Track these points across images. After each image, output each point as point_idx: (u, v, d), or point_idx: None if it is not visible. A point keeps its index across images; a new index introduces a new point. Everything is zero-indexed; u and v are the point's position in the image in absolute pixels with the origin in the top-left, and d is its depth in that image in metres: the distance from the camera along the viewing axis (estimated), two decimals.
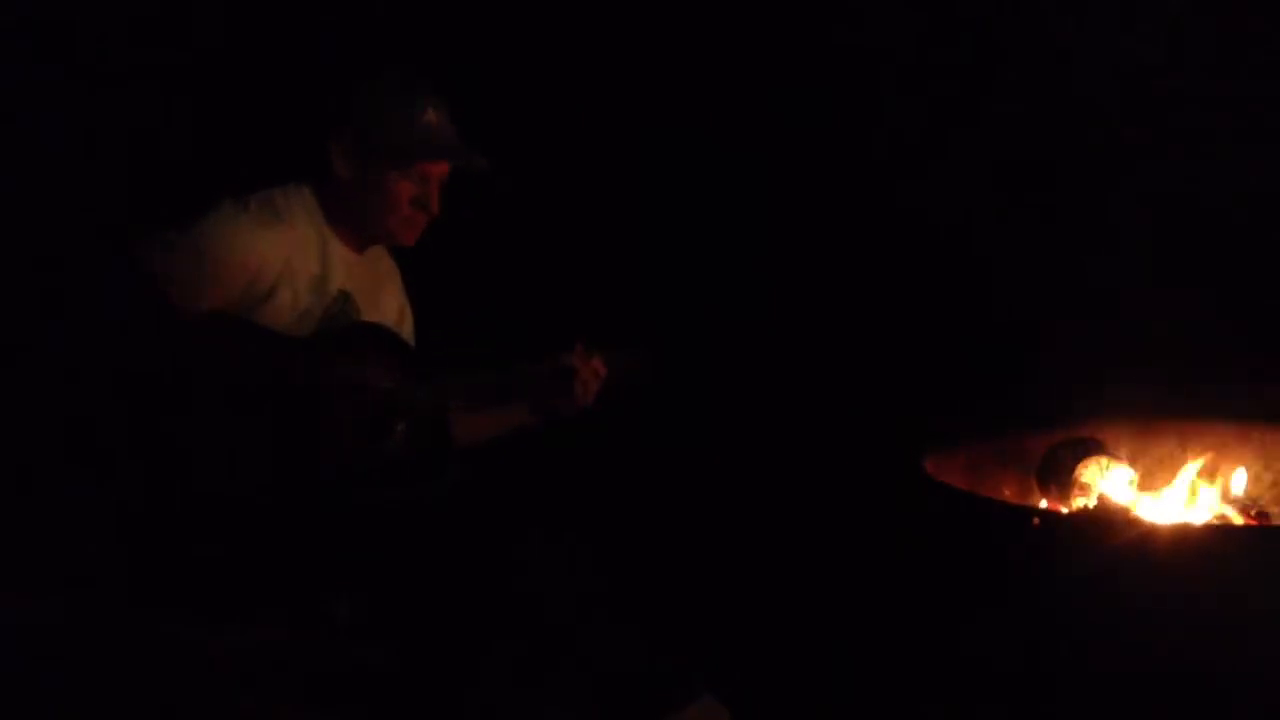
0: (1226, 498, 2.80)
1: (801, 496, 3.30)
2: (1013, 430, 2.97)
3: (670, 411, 3.17)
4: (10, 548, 2.43)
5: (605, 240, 3.37)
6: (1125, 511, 2.72)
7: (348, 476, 2.43)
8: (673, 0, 3.35)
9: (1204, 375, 2.93)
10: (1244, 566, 2.39)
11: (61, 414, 2.39)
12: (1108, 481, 2.82)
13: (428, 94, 2.55)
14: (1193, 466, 2.84)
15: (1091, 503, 2.79)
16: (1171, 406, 2.96)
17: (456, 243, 2.81)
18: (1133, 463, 2.88)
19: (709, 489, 3.33)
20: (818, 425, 3.32)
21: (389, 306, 2.67)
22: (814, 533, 3.26)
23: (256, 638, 2.30)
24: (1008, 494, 2.89)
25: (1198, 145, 3.07)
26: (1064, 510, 2.81)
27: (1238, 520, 2.72)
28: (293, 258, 2.47)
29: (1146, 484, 2.86)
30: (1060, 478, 2.86)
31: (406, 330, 2.70)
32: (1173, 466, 2.91)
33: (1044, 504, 2.87)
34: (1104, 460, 2.84)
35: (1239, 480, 2.81)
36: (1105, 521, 2.67)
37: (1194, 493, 2.82)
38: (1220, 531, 2.61)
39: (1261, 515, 2.76)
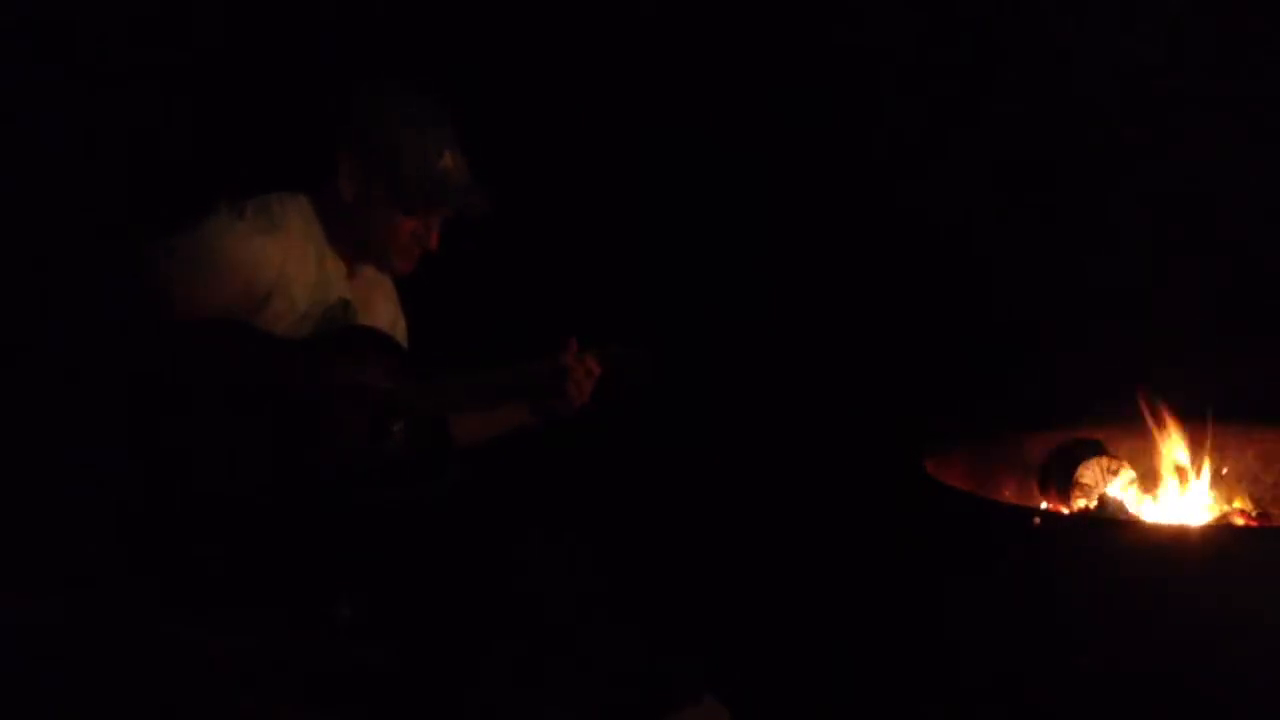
0: (1226, 498, 2.80)
1: (802, 496, 3.30)
2: (1013, 430, 2.97)
3: (670, 411, 3.17)
4: (10, 548, 2.43)
5: (605, 240, 3.37)
6: (1125, 512, 2.72)
7: (348, 476, 2.42)
8: (673, 0, 3.35)
9: (1204, 375, 2.93)
10: (1244, 566, 2.39)
11: (61, 414, 2.39)
12: (1108, 482, 2.82)
13: (447, 136, 2.48)
14: (1194, 468, 2.85)
15: (1092, 503, 2.79)
16: (1171, 407, 2.95)
17: (455, 243, 2.81)
18: (1133, 463, 2.88)
19: (709, 489, 3.33)
20: (818, 425, 3.32)
21: (381, 315, 2.65)
22: (814, 533, 3.26)
23: (256, 638, 2.30)
24: (1008, 494, 2.89)
25: (1198, 145, 3.07)
26: (1064, 511, 2.81)
27: (1238, 520, 2.72)
28: (288, 265, 2.45)
29: (1146, 484, 2.86)
30: (1061, 478, 2.86)
31: (399, 338, 2.70)
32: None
33: (1044, 504, 2.87)
34: (1104, 461, 2.84)
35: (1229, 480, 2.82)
36: (1105, 522, 2.67)
37: (1194, 493, 2.82)
38: (1220, 531, 2.62)
39: (1261, 515, 2.76)
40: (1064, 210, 3.22)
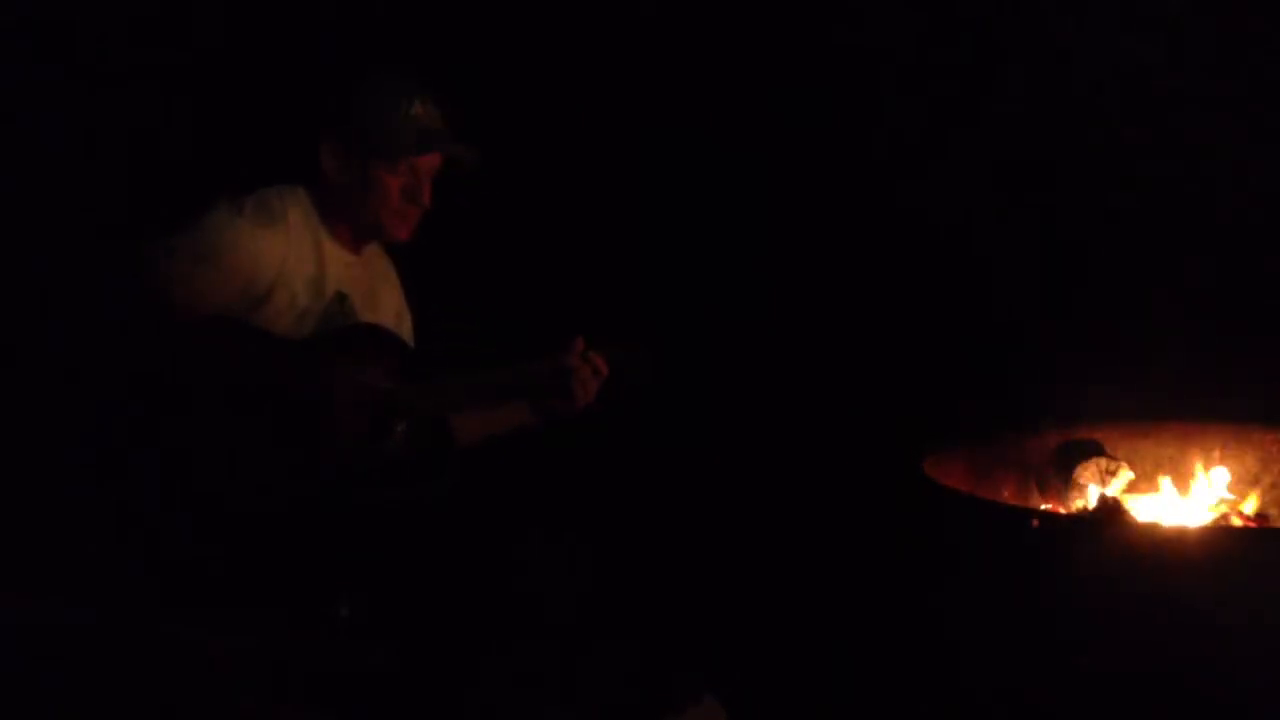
0: (1225, 499, 2.80)
1: (802, 497, 3.30)
2: (1013, 430, 2.97)
3: (670, 411, 3.17)
4: (10, 548, 2.44)
5: (605, 239, 3.37)
6: (1124, 513, 2.72)
7: (348, 476, 2.42)
8: (673, 0, 3.35)
9: (1204, 376, 2.93)
10: (1244, 566, 2.39)
11: (62, 414, 2.39)
12: (1107, 483, 2.82)
13: (414, 87, 2.53)
14: (1194, 468, 2.85)
15: (1091, 504, 2.79)
16: (1171, 408, 2.96)
17: (456, 242, 2.81)
18: (1132, 464, 2.88)
19: (709, 489, 3.33)
20: (818, 425, 3.32)
21: (386, 307, 2.66)
22: (814, 533, 3.26)
23: (256, 638, 2.30)
24: (1008, 494, 2.89)
25: (1198, 145, 3.07)
26: (1064, 511, 2.81)
27: (1237, 521, 2.72)
28: (289, 259, 2.46)
29: (1146, 485, 2.86)
30: (1060, 479, 2.86)
31: (405, 331, 2.70)
32: (1172, 468, 2.91)
33: (1043, 505, 2.87)
34: (1103, 461, 2.84)
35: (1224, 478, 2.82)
36: (1104, 523, 2.67)
37: (1193, 494, 2.82)
38: (1220, 532, 2.62)
39: (1261, 516, 2.77)
40: (1064, 210, 3.22)
